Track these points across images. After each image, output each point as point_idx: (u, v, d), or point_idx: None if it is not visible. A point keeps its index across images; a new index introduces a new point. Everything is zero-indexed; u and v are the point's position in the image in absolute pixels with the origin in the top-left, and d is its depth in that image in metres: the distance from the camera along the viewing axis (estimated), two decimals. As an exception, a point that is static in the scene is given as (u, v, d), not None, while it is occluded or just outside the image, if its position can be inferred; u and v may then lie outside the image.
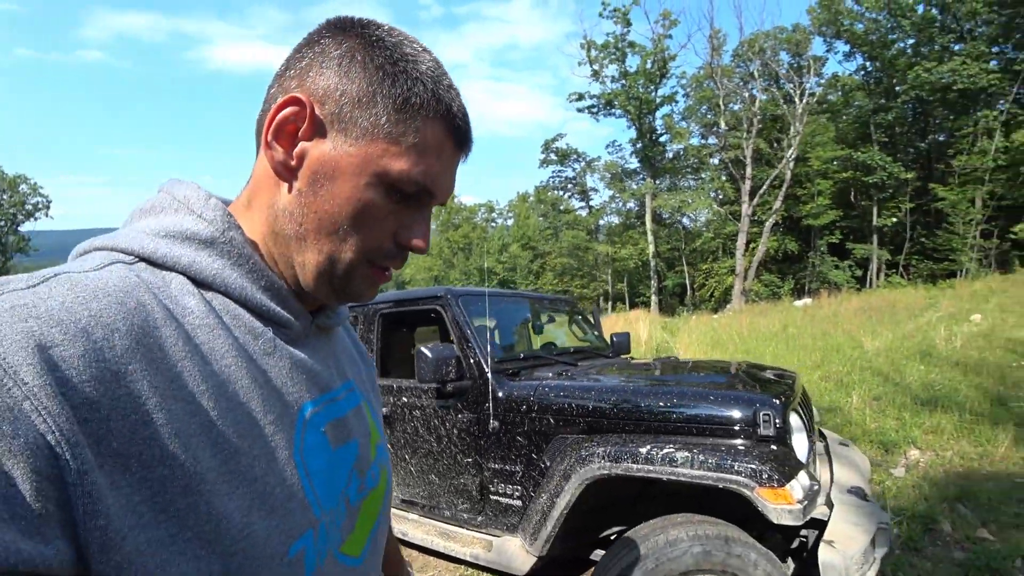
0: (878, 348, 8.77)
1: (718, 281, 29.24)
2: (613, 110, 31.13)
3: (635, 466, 2.14)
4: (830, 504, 2.19)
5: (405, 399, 3.11)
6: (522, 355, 3.25)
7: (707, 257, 31.53)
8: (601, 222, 38.08)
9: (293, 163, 0.55)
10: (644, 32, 30.48)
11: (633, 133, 31.96)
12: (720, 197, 30.73)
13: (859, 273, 26.09)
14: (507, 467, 2.65)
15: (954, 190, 22.68)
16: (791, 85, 26.48)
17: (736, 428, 2.13)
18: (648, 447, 2.16)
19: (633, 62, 30.18)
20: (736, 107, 28.54)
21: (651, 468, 2.11)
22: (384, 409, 3.27)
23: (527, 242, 40.83)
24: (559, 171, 37.71)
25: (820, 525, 2.09)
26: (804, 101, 25.43)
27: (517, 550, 2.51)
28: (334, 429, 0.61)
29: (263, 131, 0.56)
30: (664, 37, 29.23)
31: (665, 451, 2.11)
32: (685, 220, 34.60)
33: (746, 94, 27.89)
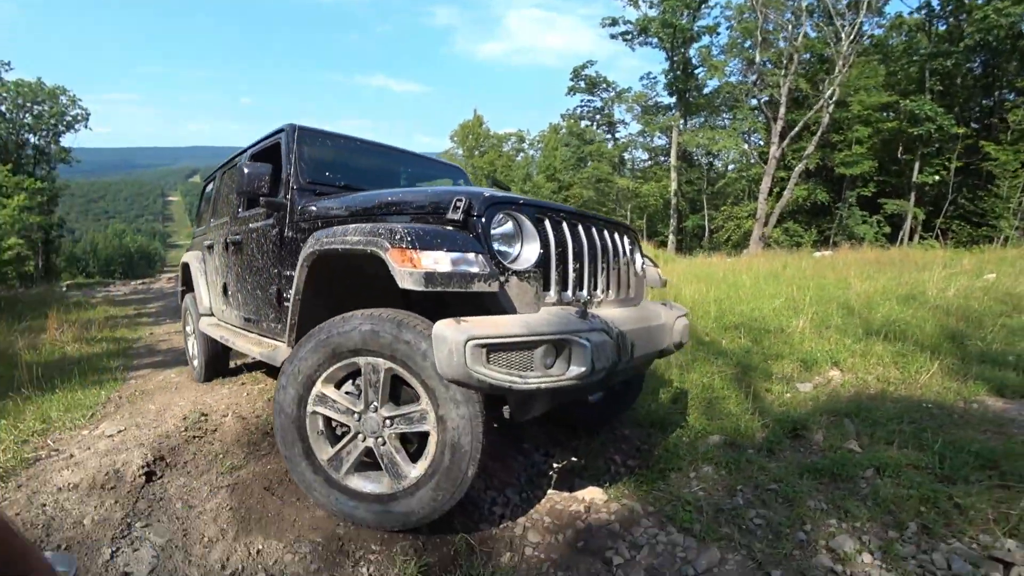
0: (864, 290, 8.22)
1: (737, 224, 27.94)
2: (649, 38, 29.16)
3: (326, 240, 2.23)
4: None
5: (251, 225, 3.31)
6: (340, 183, 3.16)
7: (730, 199, 30.07)
8: (626, 156, 36.49)
9: None
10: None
11: (667, 65, 30.05)
12: (759, 142, 29.00)
13: (888, 231, 24.62)
14: (292, 273, 2.71)
15: (1006, 149, 20.82)
16: (842, 22, 24.12)
17: (429, 214, 2.17)
18: (337, 227, 2.26)
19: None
20: (783, 44, 26.35)
21: (332, 241, 2.19)
22: (237, 236, 3.54)
23: (552, 173, 39.62)
24: (588, 100, 35.79)
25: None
26: (851, 39, 23.18)
27: (284, 346, 2.67)
28: None
29: None
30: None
31: (344, 227, 2.19)
32: (717, 162, 32.99)
33: (790, 28, 25.62)
